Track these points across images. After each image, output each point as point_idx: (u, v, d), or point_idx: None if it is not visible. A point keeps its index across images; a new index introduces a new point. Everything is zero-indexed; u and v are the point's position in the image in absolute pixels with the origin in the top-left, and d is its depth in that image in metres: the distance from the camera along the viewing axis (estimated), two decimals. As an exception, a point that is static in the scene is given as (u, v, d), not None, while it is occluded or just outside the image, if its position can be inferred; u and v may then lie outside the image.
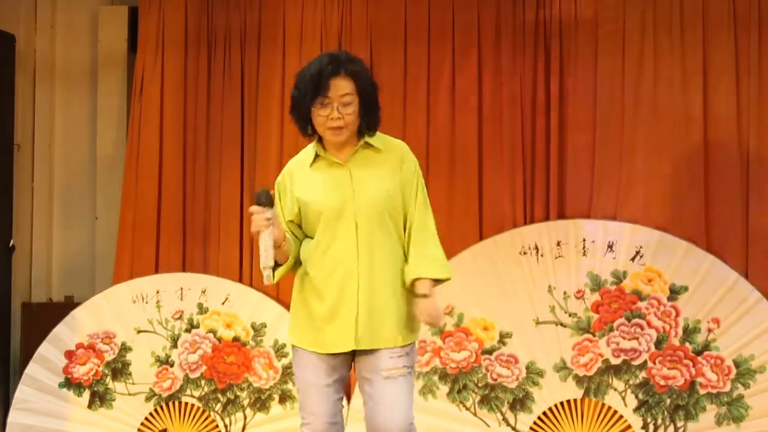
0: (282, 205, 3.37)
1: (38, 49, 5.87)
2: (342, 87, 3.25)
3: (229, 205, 5.50)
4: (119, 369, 5.36)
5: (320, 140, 3.35)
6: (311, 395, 3.33)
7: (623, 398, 5.03)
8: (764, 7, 5.12)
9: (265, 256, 3.17)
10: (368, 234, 3.29)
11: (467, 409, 5.12)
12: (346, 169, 3.32)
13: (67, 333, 5.39)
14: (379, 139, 3.37)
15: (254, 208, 3.18)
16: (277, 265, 3.25)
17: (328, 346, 3.31)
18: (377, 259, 3.30)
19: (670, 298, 5.04)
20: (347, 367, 3.39)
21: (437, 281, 3.34)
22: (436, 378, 5.09)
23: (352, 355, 3.36)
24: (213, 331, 5.36)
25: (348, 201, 3.29)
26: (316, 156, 3.35)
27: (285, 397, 5.27)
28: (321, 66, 3.25)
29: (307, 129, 3.33)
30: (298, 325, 3.38)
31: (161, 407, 5.34)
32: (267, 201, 3.17)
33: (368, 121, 3.32)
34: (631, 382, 5.02)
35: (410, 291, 3.31)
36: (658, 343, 5.02)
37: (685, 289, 5.04)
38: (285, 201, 3.37)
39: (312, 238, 3.33)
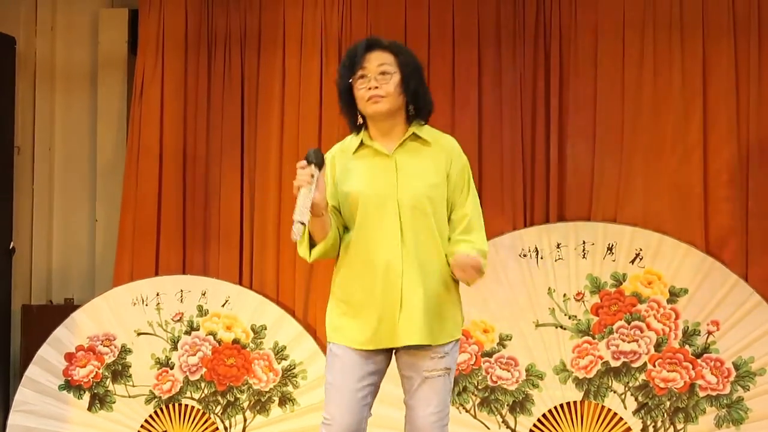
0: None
1: (38, 51, 5.88)
2: (379, 58, 3.21)
3: (229, 207, 5.50)
4: (119, 371, 5.37)
5: (366, 129, 3.27)
6: (339, 396, 3.25)
7: (623, 400, 5.03)
8: (764, 11, 5.13)
9: (300, 211, 3.06)
10: (412, 228, 3.20)
11: (467, 411, 5.12)
12: (392, 159, 3.23)
13: (67, 335, 5.39)
14: (428, 131, 3.29)
15: (301, 163, 3.10)
16: (313, 243, 3.19)
17: (367, 341, 3.23)
18: (421, 254, 3.21)
19: (669, 301, 5.05)
20: (382, 370, 3.30)
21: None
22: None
23: (390, 356, 3.30)
24: (213, 334, 5.36)
25: (391, 193, 3.21)
26: (361, 144, 3.27)
27: (285, 400, 5.27)
28: (357, 44, 3.25)
29: (355, 118, 3.26)
30: (336, 320, 3.29)
31: (161, 409, 5.34)
32: (316, 160, 3.10)
33: (416, 101, 3.25)
34: (630, 384, 5.03)
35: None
36: (658, 346, 5.03)
37: (685, 291, 5.05)
38: (330, 181, 3.27)
39: (351, 228, 3.25)
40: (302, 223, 3.05)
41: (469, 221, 3.26)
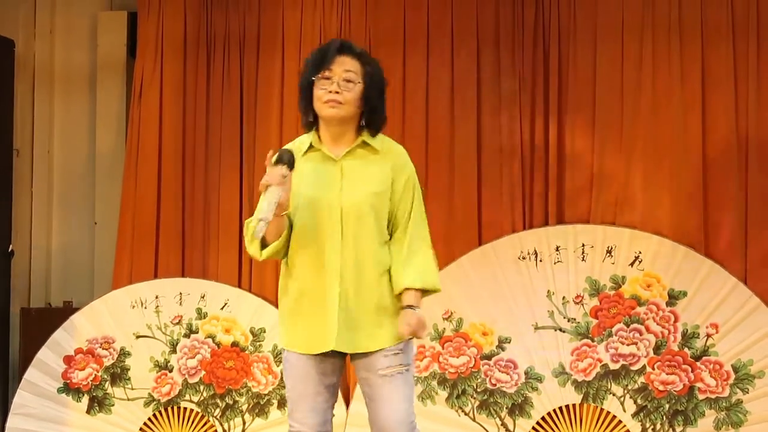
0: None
1: (37, 53, 5.89)
2: (347, 63, 3.20)
3: (229, 209, 5.50)
4: (118, 374, 5.36)
5: (317, 131, 3.26)
6: (301, 404, 3.27)
7: (622, 403, 5.03)
8: (762, 13, 5.14)
9: (267, 209, 3.08)
10: (353, 234, 3.21)
11: (466, 414, 5.12)
12: (338, 165, 3.24)
13: (66, 338, 5.38)
14: (378, 140, 3.28)
15: (272, 161, 3.10)
16: (264, 243, 3.19)
17: (313, 346, 3.22)
18: (362, 259, 3.21)
19: (668, 303, 5.05)
20: (338, 372, 3.32)
21: (425, 292, 3.26)
22: (435, 383, 5.08)
23: (344, 360, 3.30)
24: (212, 336, 5.35)
25: (334, 198, 3.21)
26: (310, 146, 3.26)
27: (284, 402, 5.23)
28: (330, 42, 3.26)
29: (309, 114, 3.25)
30: (286, 327, 3.31)
31: (160, 412, 5.34)
32: (288, 161, 3.11)
33: (370, 115, 3.25)
34: (629, 387, 5.03)
35: (397, 299, 3.24)
36: (657, 348, 5.03)
37: (684, 294, 5.05)
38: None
39: (294, 230, 3.24)
40: (266, 222, 3.08)
41: (410, 243, 3.25)
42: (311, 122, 3.26)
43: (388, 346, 3.23)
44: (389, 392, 3.23)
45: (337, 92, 3.16)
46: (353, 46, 3.26)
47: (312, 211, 3.20)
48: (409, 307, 3.21)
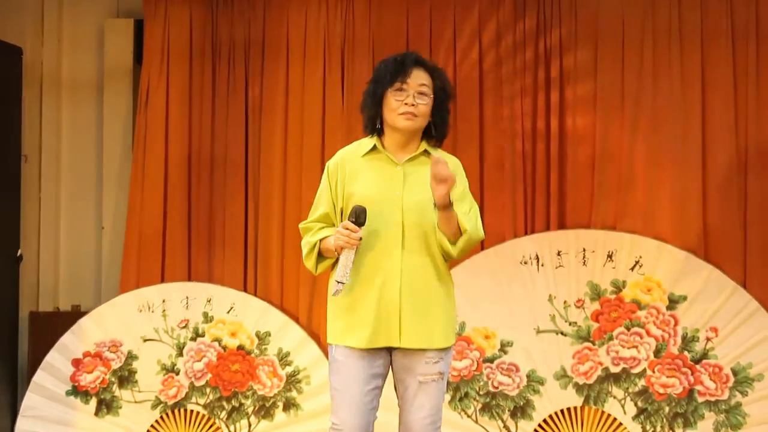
0: (324, 199, 3.37)
1: (45, 61, 5.86)
2: (421, 77, 3.29)
3: (234, 215, 5.51)
4: (125, 377, 5.38)
5: (381, 136, 3.34)
6: (345, 403, 3.29)
7: (622, 406, 5.05)
8: (762, 20, 5.16)
9: (343, 272, 3.19)
10: (413, 235, 3.28)
11: (469, 416, 5.14)
12: (401, 169, 3.32)
13: (74, 341, 5.41)
14: (437, 151, 3.38)
15: (348, 224, 3.19)
16: (321, 257, 3.31)
17: (366, 340, 3.27)
18: (420, 261, 3.29)
19: (668, 307, 5.08)
20: (384, 374, 3.35)
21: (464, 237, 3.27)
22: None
23: (389, 360, 3.34)
24: (218, 340, 5.37)
25: (396, 199, 3.28)
26: (373, 148, 3.34)
27: (289, 405, 5.29)
28: (405, 55, 3.34)
29: (375, 121, 3.32)
30: (337, 322, 3.35)
31: (167, 415, 5.35)
32: (364, 221, 3.19)
33: (437, 126, 3.34)
34: (630, 390, 5.06)
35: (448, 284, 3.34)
36: (657, 352, 5.06)
37: (684, 298, 5.08)
38: (334, 187, 3.35)
39: None
40: (343, 284, 3.20)
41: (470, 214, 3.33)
42: (378, 128, 3.34)
43: (433, 348, 3.29)
44: (422, 399, 3.31)
45: (413, 105, 3.27)
46: (427, 60, 3.36)
47: (374, 210, 3.25)
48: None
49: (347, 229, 3.19)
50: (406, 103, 3.27)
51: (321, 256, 3.33)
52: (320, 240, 3.31)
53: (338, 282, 3.19)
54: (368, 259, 3.28)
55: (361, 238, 3.20)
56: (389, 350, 3.33)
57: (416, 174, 3.32)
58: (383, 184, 3.30)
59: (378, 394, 3.35)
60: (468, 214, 3.33)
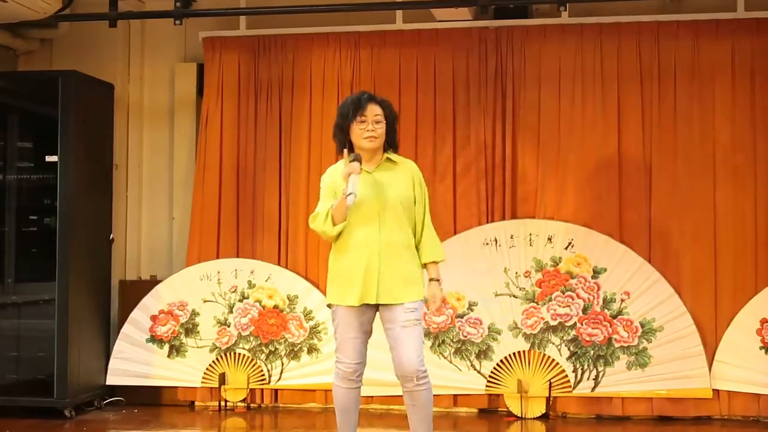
0: (327, 196, 3.50)
1: (130, 94, 5.86)
2: (375, 109, 3.46)
3: (271, 208, 5.49)
4: (190, 329, 5.41)
5: (351, 153, 3.47)
6: (346, 344, 3.45)
7: (559, 350, 5.09)
8: (663, 62, 5.16)
9: (352, 188, 3.33)
10: (386, 221, 3.43)
11: (445, 358, 5.18)
12: (374, 177, 3.47)
13: (152, 302, 5.45)
14: (396, 156, 3.56)
15: (353, 162, 3.36)
16: (334, 223, 3.42)
17: (357, 299, 3.40)
18: (392, 239, 3.42)
19: (593, 277, 5.11)
20: (371, 320, 3.48)
21: (438, 262, 3.51)
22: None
23: (375, 313, 3.46)
24: (259, 301, 5.39)
25: (373, 198, 3.43)
26: None
27: (312, 349, 5.32)
28: (360, 95, 3.49)
29: (345, 145, 3.47)
30: (335, 289, 3.48)
31: (221, 357, 5.38)
32: (360, 160, 3.39)
33: (390, 141, 3.51)
34: (564, 338, 5.08)
35: (424, 268, 3.49)
36: (585, 310, 5.10)
37: (605, 270, 5.11)
38: (328, 194, 3.49)
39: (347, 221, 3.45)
40: (354, 195, 3.32)
41: (424, 228, 3.52)
42: (345, 149, 3.49)
43: (409, 301, 3.42)
44: (407, 338, 3.41)
45: (373, 130, 3.42)
46: (377, 96, 3.52)
47: (358, 208, 3.41)
48: (435, 280, 3.46)
49: (351, 162, 3.36)
50: (368, 130, 3.42)
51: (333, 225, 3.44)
52: (330, 208, 3.43)
53: (350, 194, 3.32)
54: (355, 243, 3.42)
55: (360, 168, 3.34)
56: (375, 306, 3.45)
57: (384, 177, 3.48)
58: (363, 188, 3.43)
59: (368, 332, 3.49)
60: (433, 243, 3.49)
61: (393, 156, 3.55)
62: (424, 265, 3.51)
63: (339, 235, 3.47)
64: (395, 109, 3.57)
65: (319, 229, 3.48)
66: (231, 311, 5.42)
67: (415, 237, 3.51)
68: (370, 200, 3.44)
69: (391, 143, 3.54)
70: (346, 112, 3.46)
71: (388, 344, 3.48)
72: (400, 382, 3.47)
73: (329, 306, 3.54)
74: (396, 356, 3.43)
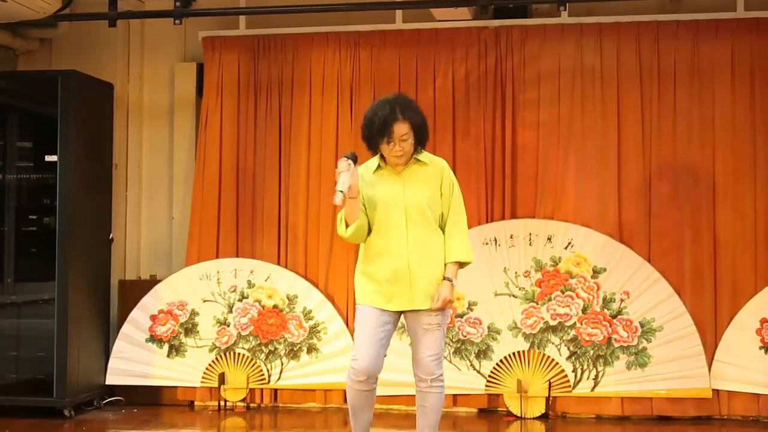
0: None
1: (130, 94, 5.85)
2: (401, 129, 3.37)
3: (270, 207, 5.48)
4: (190, 328, 5.40)
5: (382, 156, 3.46)
6: (363, 341, 3.39)
7: (558, 350, 5.08)
8: (662, 62, 5.16)
9: (341, 185, 3.28)
10: (414, 224, 3.39)
11: (444, 357, 4.92)
12: (401, 177, 3.44)
13: (152, 302, 5.43)
14: (425, 156, 3.49)
15: (342, 159, 3.33)
16: (347, 224, 3.38)
17: (385, 304, 3.39)
18: (420, 242, 3.39)
19: (593, 277, 5.10)
20: (395, 322, 3.44)
21: (462, 265, 3.45)
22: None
23: (399, 314, 3.44)
24: (258, 301, 5.38)
25: (400, 199, 3.40)
26: (378, 166, 3.47)
27: (311, 349, 5.30)
28: (385, 115, 3.37)
29: (373, 151, 3.46)
30: (363, 289, 3.45)
31: (220, 356, 5.37)
32: (351, 157, 3.35)
33: (418, 145, 3.45)
34: (564, 337, 5.08)
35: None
36: (584, 309, 5.09)
37: (604, 269, 5.10)
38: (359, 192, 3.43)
39: (372, 224, 3.42)
40: (342, 192, 3.28)
41: (451, 227, 3.45)
42: (375, 153, 3.46)
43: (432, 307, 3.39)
44: (427, 340, 3.40)
45: (401, 149, 3.38)
46: (402, 111, 3.38)
47: (384, 210, 3.39)
48: (447, 279, 3.40)
49: (341, 162, 3.32)
50: (395, 150, 3.38)
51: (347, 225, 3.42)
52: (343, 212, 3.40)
53: (339, 191, 3.29)
54: (383, 245, 3.39)
55: (349, 165, 3.30)
56: (400, 312, 3.42)
57: (412, 178, 3.44)
58: (390, 190, 3.42)
59: (387, 336, 3.42)
60: (462, 242, 3.41)
61: (422, 156, 3.48)
62: (445, 264, 3.44)
63: (368, 235, 3.44)
64: (420, 110, 3.46)
65: (339, 233, 3.47)
66: (230, 311, 5.41)
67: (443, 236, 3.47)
68: (396, 203, 3.41)
69: (420, 146, 3.47)
70: (374, 132, 3.39)
71: (410, 344, 3.47)
72: (414, 381, 3.46)
73: (362, 304, 3.50)
74: (414, 355, 3.44)
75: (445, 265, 3.43)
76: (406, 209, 3.40)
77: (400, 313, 3.44)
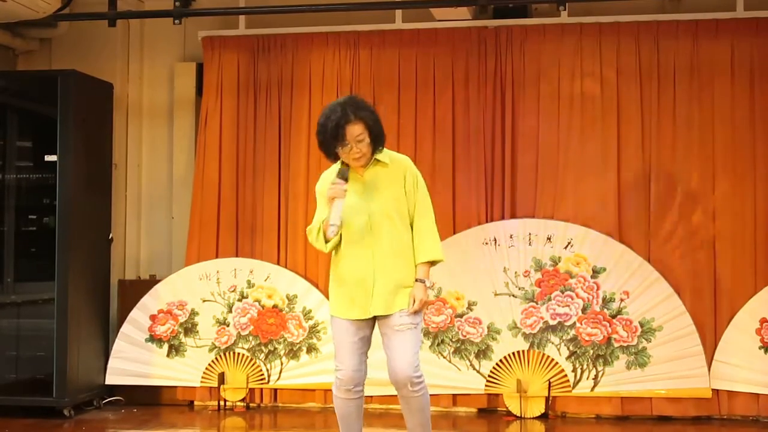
0: (322, 205, 3.38)
1: (130, 93, 5.85)
2: (355, 130, 3.28)
3: (270, 208, 5.49)
4: (189, 328, 5.40)
5: (343, 162, 3.37)
6: (342, 350, 3.36)
7: (558, 349, 5.07)
8: (662, 62, 5.16)
9: (336, 216, 3.23)
10: (379, 227, 3.32)
11: (444, 357, 5.16)
12: (364, 182, 3.36)
13: (152, 302, 5.43)
14: (386, 155, 3.39)
15: (337, 181, 3.25)
16: (326, 239, 3.31)
17: (354, 314, 3.35)
18: (386, 245, 3.31)
19: (593, 276, 5.10)
20: (370, 328, 3.39)
21: (432, 263, 3.38)
22: (421, 335, 5.05)
23: (374, 320, 3.38)
24: (258, 301, 5.37)
25: (363, 203, 3.32)
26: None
27: (311, 349, 5.30)
28: (337, 118, 3.26)
29: (332, 157, 3.37)
30: (334, 300, 3.42)
31: (220, 356, 5.37)
32: (345, 178, 3.26)
33: (375, 146, 3.36)
34: (564, 337, 5.07)
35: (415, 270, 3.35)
36: (584, 309, 5.08)
37: (604, 269, 5.09)
38: (323, 202, 3.38)
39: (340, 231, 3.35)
40: (336, 226, 3.22)
41: (419, 226, 3.37)
42: (334, 159, 3.38)
43: (404, 307, 3.33)
44: (399, 343, 3.30)
45: (358, 150, 3.29)
46: (354, 112, 3.27)
47: (349, 217, 3.31)
48: (419, 280, 3.33)
49: (336, 184, 3.23)
50: (353, 152, 3.29)
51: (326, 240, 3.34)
52: (322, 222, 3.32)
53: (332, 225, 3.21)
54: (349, 252, 3.32)
55: (345, 190, 3.22)
56: (373, 318, 3.36)
57: (375, 180, 3.36)
58: (354, 196, 3.33)
59: (365, 343, 3.38)
60: (430, 241, 3.33)
61: (382, 156, 3.39)
62: (416, 265, 3.37)
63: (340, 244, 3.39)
64: (373, 108, 3.37)
65: (314, 245, 3.42)
66: (230, 311, 5.41)
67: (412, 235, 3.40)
68: (361, 208, 3.34)
69: (377, 145, 3.36)
70: (327, 138, 3.29)
71: (384, 351, 3.41)
72: (395, 388, 3.39)
73: (332, 316, 3.47)
74: (389, 363, 3.36)
75: (416, 265, 3.36)
76: (370, 216, 3.32)
77: (373, 320, 3.38)
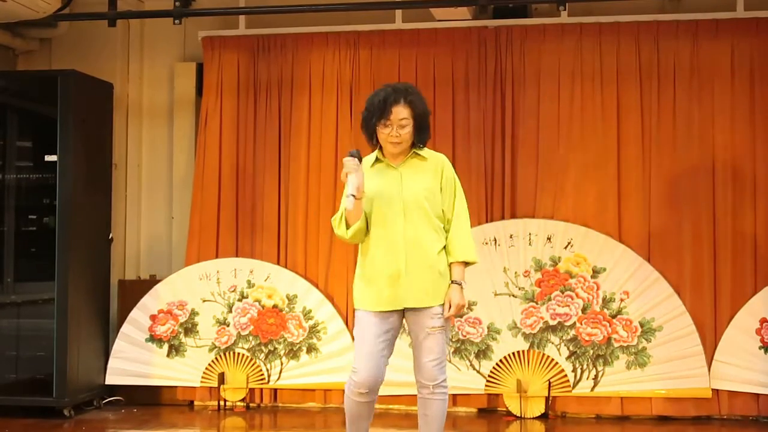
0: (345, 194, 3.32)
1: (130, 93, 5.85)
2: (401, 113, 3.24)
3: (270, 208, 5.48)
4: (189, 328, 5.40)
5: (380, 149, 3.34)
6: (362, 350, 3.25)
7: (558, 349, 5.07)
8: (662, 62, 5.16)
9: (351, 186, 3.17)
10: (412, 220, 3.25)
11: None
12: (398, 171, 3.32)
13: (152, 302, 5.44)
14: (425, 151, 3.36)
15: (349, 159, 3.21)
16: (348, 225, 3.25)
17: (383, 305, 3.25)
18: (419, 238, 3.24)
19: (593, 276, 5.10)
20: (396, 328, 3.29)
21: (466, 264, 3.33)
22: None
23: (401, 318, 3.30)
24: (258, 301, 5.37)
25: (397, 194, 3.27)
26: (377, 159, 3.35)
27: (311, 349, 5.30)
28: (386, 94, 3.26)
29: (372, 140, 3.34)
30: (360, 292, 3.32)
31: (220, 356, 5.37)
32: (357, 155, 3.23)
33: (419, 138, 3.32)
34: (564, 337, 5.07)
35: (448, 268, 3.29)
36: (584, 309, 5.09)
37: (604, 269, 5.10)
38: (346, 191, 3.30)
39: (370, 220, 3.29)
40: (353, 196, 3.17)
41: (454, 225, 3.33)
42: (374, 144, 3.35)
43: (436, 305, 3.25)
44: (430, 344, 3.26)
45: (397, 135, 3.25)
46: (404, 94, 3.27)
47: (382, 204, 3.26)
48: (455, 282, 3.27)
49: (348, 161, 3.20)
50: (392, 135, 3.26)
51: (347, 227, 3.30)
52: (344, 209, 3.27)
53: (351, 195, 3.18)
54: (380, 243, 3.26)
55: (356, 164, 3.18)
56: (402, 313, 3.29)
57: (410, 172, 3.32)
58: (387, 185, 3.30)
59: (388, 345, 3.28)
60: (466, 242, 3.27)
61: (422, 151, 3.35)
62: (450, 265, 3.30)
63: (364, 236, 3.33)
64: (427, 104, 3.35)
65: (337, 233, 3.35)
66: (230, 311, 5.41)
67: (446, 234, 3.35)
68: (393, 197, 3.28)
69: (420, 138, 3.33)
70: (372, 112, 3.27)
71: (412, 348, 3.36)
72: (416, 387, 3.35)
73: (357, 309, 3.39)
74: (416, 360, 3.31)
75: (450, 265, 3.30)
76: (404, 203, 3.28)
77: (401, 314, 3.32)
